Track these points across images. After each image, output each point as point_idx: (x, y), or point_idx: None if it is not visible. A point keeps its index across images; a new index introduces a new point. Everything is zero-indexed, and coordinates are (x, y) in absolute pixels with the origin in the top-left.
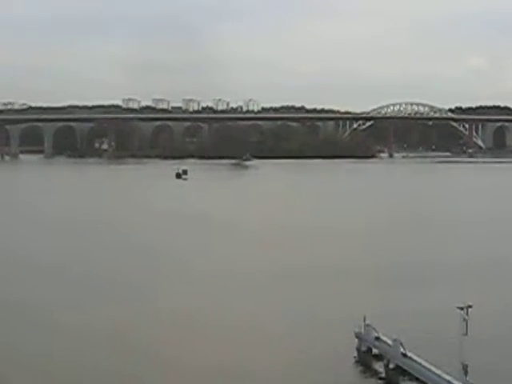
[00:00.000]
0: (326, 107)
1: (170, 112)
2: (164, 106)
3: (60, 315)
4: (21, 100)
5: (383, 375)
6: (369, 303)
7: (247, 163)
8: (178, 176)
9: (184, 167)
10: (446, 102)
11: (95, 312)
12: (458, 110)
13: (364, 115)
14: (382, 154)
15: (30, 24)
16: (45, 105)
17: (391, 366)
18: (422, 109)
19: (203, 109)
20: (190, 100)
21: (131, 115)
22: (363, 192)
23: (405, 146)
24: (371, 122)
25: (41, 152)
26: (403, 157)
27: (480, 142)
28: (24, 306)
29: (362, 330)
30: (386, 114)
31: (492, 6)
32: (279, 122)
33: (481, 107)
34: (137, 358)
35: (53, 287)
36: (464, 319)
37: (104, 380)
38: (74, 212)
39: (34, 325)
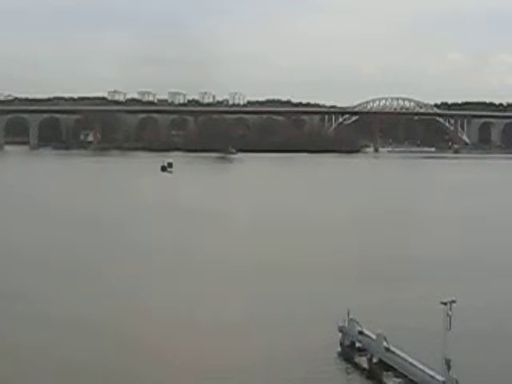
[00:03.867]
0: (312, 101)
1: (155, 104)
2: (150, 98)
3: (52, 309)
4: (6, 91)
5: (366, 369)
6: (353, 297)
7: (232, 156)
8: (163, 169)
9: (169, 160)
10: (431, 97)
11: (86, 306)
12: (444, 105)
13: (350, 110)
14: (368, 149)
15: (16, 15)
16: (30, 96)
17: (374, 360)
18: (407, 104)
19: (189, 102)
20: (176, 93)
21: (117, 107)
22: (346, 187)
23: (390, 140)
24: (357, 116)
25: (26, 143)
26: (388, 151)
27: (465, 138)
28: (12, 299)
29: (346, 324)
30: (371, 108)
31: (478, 4)
32: (265, 116)
33: (466, 103)
34: (127, 352)
35: (41, 279)
36: (447, 314)
37: (96, 374)
38: (56, 205)
39: (25, 318)
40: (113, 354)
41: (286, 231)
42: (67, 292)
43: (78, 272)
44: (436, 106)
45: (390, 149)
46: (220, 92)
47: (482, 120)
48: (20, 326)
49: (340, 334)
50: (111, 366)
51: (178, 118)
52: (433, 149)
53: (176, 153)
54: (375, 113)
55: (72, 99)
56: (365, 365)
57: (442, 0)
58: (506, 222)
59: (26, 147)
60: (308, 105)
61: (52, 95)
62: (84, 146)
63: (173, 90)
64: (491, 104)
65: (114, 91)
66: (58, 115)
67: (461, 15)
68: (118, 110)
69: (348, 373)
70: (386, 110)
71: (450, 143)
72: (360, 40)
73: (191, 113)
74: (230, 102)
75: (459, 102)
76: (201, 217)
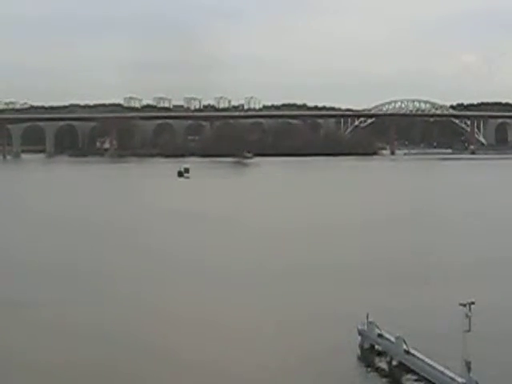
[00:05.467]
0: (328, 104)
1: (171, 110)
2: (165, 104)
3: (58, 313)
4: (22, 99)
5: (386, 372)
6: (372, 300)
7: (248, 161)
8: (180, 174)
9: (186, 165)
10: (447, 98)
11: (94, 310)
12: (460, 106)
13: (365, 112)
14: (384, 151)
15: (32, 23)
16: (46, 104)
17: (394, 362)
18: (423, 105)
19: (205, 107)
20: (192, 98)
21: (133, 114)
22: (363, 189)
23: (406, 142)
24: (373, 119)
25: (42, 151)
26: (405, 154)
27: (482, 139)
28: (19, 305)
29: (365, 327)
30: (387, 110)
31: (491, 4)
32: (280, 120)
33: (482, 104)
34: (136, 356)
35: (55, 286)
36: (467, 316)
37: (103, 378)
38: (76, 211)
39: (30, 323)
40: (128, 360)
41: (304, 234)
42: (87, 298)
43: (100, 278)
44: (452, 107)
45: (406, 151)
46: (235, 97)
47: (499, 120)
48: (40, 334)
49: (359, 337)
50: (124, 372)
51: (194, 124)
52: (449, 150)
53: (192, 158)
54: (391, 115)
55: (88, 106)
56: (385, 368)
57: (457, 2)
58: None
59: (42, 155)
60: (324, 108)
61: (68, 103)
62: (100, 153)
63: (188, 96)
64: (507, 104)
65: (130, 98)
66: (74, 123)
67: (473, 15)
68: (134, 117)
69: (368, 376)
70: (402, 112)
71: (466, 144)
72: (374, 42)
73: (207, 118)
74: (246, 107)
75: (475, 102)
76: (220, 221)
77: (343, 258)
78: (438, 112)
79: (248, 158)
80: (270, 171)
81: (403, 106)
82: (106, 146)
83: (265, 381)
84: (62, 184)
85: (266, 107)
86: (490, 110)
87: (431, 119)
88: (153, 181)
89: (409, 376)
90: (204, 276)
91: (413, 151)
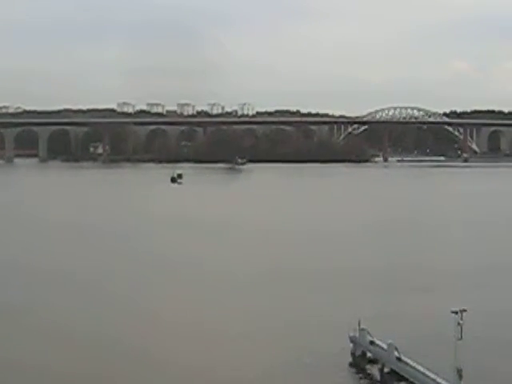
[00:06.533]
0: (321, 111)
1: (164, 116)
2: (159, 110)
3: (46, 318)
4: (16, 104)
5: (378, 379)
6: (363, 307)
7: (241, 167)
8: (173, 180)
9: (179, 171)
10: (440, 106)
11: (83, 315)
12: (453, 114)
13: (359, 119)
14: (377, 159)
15: (26, 28)
16: (40, 108)
17: (386, 370)
18: (416, 113)
19: (198, 113)
20: (185, 104)
21: (126, 119)
22: (355, 196)
23: (399, 150)
24: (366, 126)
25: (35, 156)
26: (398, 161)
27: (475, 147)
28: (11, 310)
29: (357, 335)
30: (380, 118)
31: (484, 12)
32: (274, 126)
33: (475, 111)
34: (132, 361)
35: (43, 291)
36: (458, 323)
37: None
38: (68, 217)
39: (23, 328)
40: (117, 365)
41: (295, 240)
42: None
43: (93, 284)
44: (445, 114)
45: (399, 158)
46: (229, 103)
47: (492, 128)
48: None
49: (351, 345)
50: (111, 375)
51: (187, 130)
52: (442, 158)
53: (185, 164)
54: (384, 122)
55: (81, 111)
56: (376, 375)
57: (452, 9)
58: None
59: (35, 160)
60: (317, 115)
61: (61, 107)
62: (93, 158)
63: (182, 102)
64: (500, 112)
65: (123, 103)
66: (67, 127)
67: (467, 23)
68: (127, 122)
69: (359, 383)
70: (395, 119)
71: (459, 152)
72: (368, 49)
73: (200, 124)
74: (239, 113)
75: (468, 110)
76: (211, 226)
77: (334, 265)
78: (432, 119)
79: (241, 164)
80: (263, 177)
81: (397, 113)
82: (99, 151)
83: None
84: (54, 189)
85: (259, 113)
86: (482, 117)
87: (424, 127)
88: (145, 186)
89: (400, 383)
90: (198, 282)
91: (406, 158)
